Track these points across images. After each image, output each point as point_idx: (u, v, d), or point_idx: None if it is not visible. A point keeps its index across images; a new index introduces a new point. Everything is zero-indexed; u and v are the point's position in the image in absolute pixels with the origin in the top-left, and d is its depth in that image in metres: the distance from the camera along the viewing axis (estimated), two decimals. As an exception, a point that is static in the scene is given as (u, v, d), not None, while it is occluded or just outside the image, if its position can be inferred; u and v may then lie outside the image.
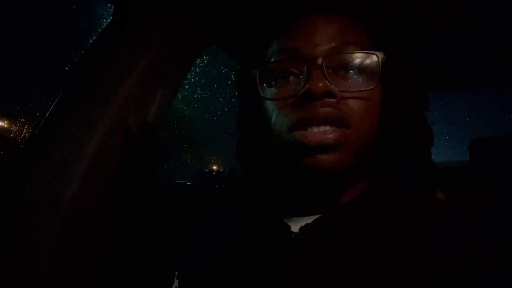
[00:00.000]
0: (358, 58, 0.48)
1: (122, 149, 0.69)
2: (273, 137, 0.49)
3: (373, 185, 0.52)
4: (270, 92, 0.50)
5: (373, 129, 0.48)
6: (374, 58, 0.48)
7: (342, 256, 0.44)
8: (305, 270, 0.44)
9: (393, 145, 0.50)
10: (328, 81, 0.46)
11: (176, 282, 0.48)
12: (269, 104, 0.50)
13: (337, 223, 0.46)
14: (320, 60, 0.46)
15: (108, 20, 0.76)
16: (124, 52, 0.71)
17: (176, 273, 0.49)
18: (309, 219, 0.48)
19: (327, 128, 0.45)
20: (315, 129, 0.45)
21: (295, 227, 0.48)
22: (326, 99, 0.45)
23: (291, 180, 0.52)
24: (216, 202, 0.58)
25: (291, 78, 0.49)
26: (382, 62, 0.47)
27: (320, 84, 0.45)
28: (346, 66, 0.48)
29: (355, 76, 0.48)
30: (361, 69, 0.48)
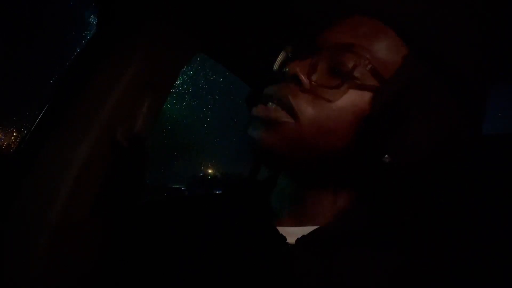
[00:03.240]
0: (355, 63, 0.44)
1: (111, 159, 0.68)
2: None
3: (363, 198, 0.51)
4: (281, 66, 0.51)
5: (334, 136, 0.44)
6: (362, 68, 0.44)
7: (340, 269, 0.43)
8: (302, 283, 0.43)
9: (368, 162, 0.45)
10: (308, 69, 0.45)
11: None
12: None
13: (336, 235, 0.46)
14: (323, 52, 0.46)
15: (93, 31, 0.76)
16: (111, 62, 0.70)
17: (169, 279, 0.48)
18: (303, 231, 0.47)
19: (275, 107, 0.45)
20: (267, 107, 0.45)
21: (290, 238, 0.47)
22: (292, 83, 0.45)
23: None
24: (210, 208, 0.57)
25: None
26: (379, 77, 0.44)
27: (297, 68, 0.45)
28: (339, 66, 0.45)
29: (338, 74, 0.44)
30: (348, 72, 0.44)
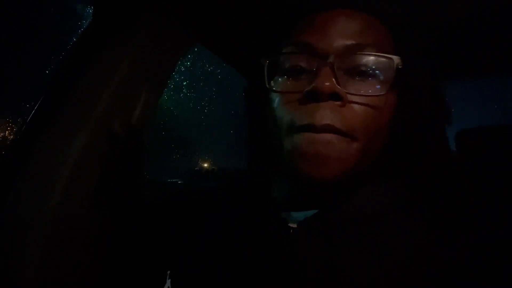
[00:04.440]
0: (372, 60, 0.45)
1: (108, 152, 0.67)
2: (274, 133, 0.48)
3: (373, 181, 0.51)
4: (276, 84, 0.48)
5: (380, 138, 0.46)
6: (390, 62, 0.45)
7: (341, 252, 0.44)
8: (304, 266, 0.44)
9: (404, 151, 0.48)
10: (337, 81, 0.43)
11: (168, 282, 0.47)
12: (274, 96, 0.48)
13: (337, 219, 0.46)
14: (332, 58, 0.44)
15: (89, 20, 0.75)
16: (106, 53, 0.70)
17: (168, 272, 0.48)
18: (307, 214, 0.47)
19: (330, 136, 0.43)
20: (317, 136, 0.43)
21: (293, 222, 0.48)
22: (331, 101, 0.43)
23: (288, 177, 0.51)
24: (209, 200, 0.57)
25: (300, 73, 0.47)
26: (397, 67, 0.45)
27: (327, 84, 0.42)
28: (358, 68, 0.46)
29: (367, 79, 0.45)
30: (375, 73, 0.45)
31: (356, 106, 0.44)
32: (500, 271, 0.40)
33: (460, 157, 1.58)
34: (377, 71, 0.45)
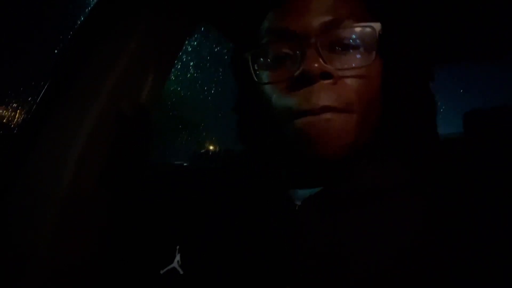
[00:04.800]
0: (353, 32, 0.45)
1: (117, 131, 0.68)
2: (273, 122, 0.48)
3: (376, 158, 0.52)
4: (264, 75, 0.48)
5: (375, 106, 0.47)
6: (371, 30, 0.45)
7: (346, 228, 0.45)
8: (309, 242, 0.45)
9: (396, 118, 0.49)
10: (323, 60, 0.44)
11: (178, 256, 0.49)
12: (265, 88, 0.48)
13: (342, 195, 0.47)
14: (313, 38, 0.44)
15: (94, 1, 0.74)
16: (113, 33, 0.70)
17: (177, 247, 0.50)
18: (312, 191, 0.48)
19: (328, 115, 0.43)
20: (316, 118, 0.43)
21: (298, 199, 0.49)
22: (322, 81, 0.44)
23: (293, 159, 0.51)
24: (216, 179, 0.58)
25: (285, 59, 0.47)
26: (379, 34, 0.45)
27: (316, 65, 0.43)
28: (341, 42, 0.46)
29: (352, 52, 0.46)
30: (358, 44, 0.46)
31: (347, 80, 0.45)
32: (503, 249, 0.41)
33: (468, 137, 1.58)
34: (360, 42, 0.46)
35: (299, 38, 0.45)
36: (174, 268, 0.48)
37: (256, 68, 0.49)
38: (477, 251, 0.41)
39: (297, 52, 0.45)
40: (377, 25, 0.45)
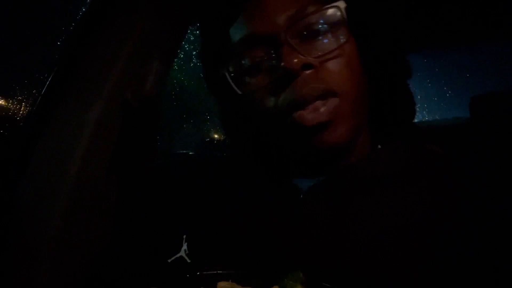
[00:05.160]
0: (320, 16, 0.45)
1: (123, 120, 0.69)
2: (267, 125, 0.48)
3: (376, 144, 0.52)
4: (247, 86, 0.48)
5: (360, 84, 0.47)
6: (336, 10, 0.45)
7: (351, 215, 0.45)
8: (314, 230, 0.45)
9: (380, 93, 0.50)
10: (300, 53, 0.44)
11: (185, 245, 0.49)
12: (251, 97, 0.48)
13: (345, 183, 0.47)
14: (283, 35, 0.44)
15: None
16: (116, 24, 0.69)
17: (184, 236, 0.50)
18: (316, 180, 0.48)
19: (317, 103, 0.44)
20: (310, 109, 0.43)
21: (303, 188, 0.49)
22: (305, 72, 0.44)
23: (295, 152, 0.51)
24: (221, 168, 0.59)
25: (263, 64, 0.47)
26: (345, 11, 0.45)
27: (295, 60, 0.43)
28: (311, 30, 0.45)
29: (324, 36, 0.46)
30: (328, 27, 0.46)
31: (328, 65, 0.45)
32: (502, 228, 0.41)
33: (474, 122, 1.57)
34: (329, 24, 0.46)
35: (269, 40, 0.45)
36: (181, 257, 0.49)
37: (236, 81, 0.48)
38: (482, 234, 0.41)
39: (272, 53, 0.45)
40: (340, 3, 0.45)
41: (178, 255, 0.49)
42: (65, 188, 0.61)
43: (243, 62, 0.48)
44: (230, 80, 0.48)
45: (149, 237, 0.54)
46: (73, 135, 0.63)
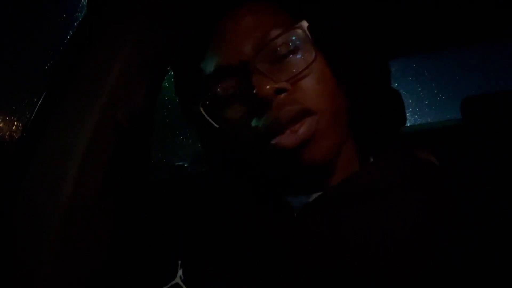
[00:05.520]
0: (285, 39, 0.46)
1: (114, 141, 0.68)
2: (249, 154, 0.49)
3: (367, 156, 0.52)
4: (223, 118, 0.48)
5: (334, 97, 0.47)
6: (300, 31, 0.45)
7: (347, 231, 0.44)
8: (311, 249, 0.44)
9: (358, 104, 0.50)
10: (271, 78, 0.44)
11: (180, 271, 0.49)
12: (229, 128, 0.48)
13: (339, 199, 0.46)
14: (251, 64, 0.44)
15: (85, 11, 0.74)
16: (104, 43, 0.69)
17: (179, 262, 0.49)
18: (310, 197, 0.48)
19: (296, 126, 0.44)
20: (288, 132, 0.44)
21: (297, 205, 0.48)
22: (279, 96, 0.44)
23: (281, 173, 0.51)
24: (214, 186, 0.58)
25: (237, 93, 0.47)
26: (308, 30, 0.45)
27: (267, 87, 0.43)
28: (279, 53, 0.46)
29: (292, 57, 0.46)
30: (294, 48, 0.46)
31: (300, 85, 0.45)
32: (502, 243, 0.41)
33: (466, 123, 1.58)
34: (295, 45, 0.46)
35: (239, 70, 0.45)
36: (177, 284, 0.48)
37: (212, 115, 0.48)
38: (478, 244, 0.41)
39: (244, 82, 0.45)
40: (303, 23, 0.45)
41: (173, 282, 0.48)
42: (58, 213, 0.60)
43: (216, 95, 0.48)
44: (206, 115, 0.48)
45: (143, 264, 0.53)
46: (65, 154, 0.63)
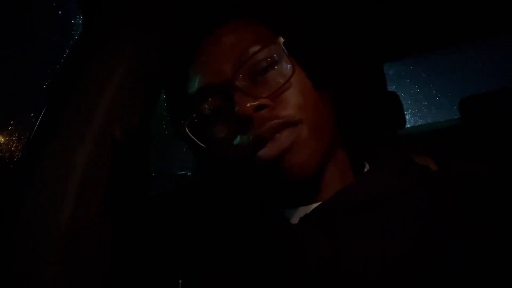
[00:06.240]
0: (263, 55, 0.46)
1: (113, 157, 0.68)
2: (237, 170, 0.49)
3: (363, 163, 0.52)
4: (208, 137, 0.49)
5: (316, 107, 0.48)
6: (276, 47, 0.46)
7: (345, 243, 0.44)
8: (309, 262, 0.44)
9: (341, 111, 0.50)
10: (251, 95, 0.45)
11: None
12: (214, 147, 0.49)
13: (337, 210, 0.46)
14: (231, 82, 0.45)
15: (81, 29, 0.75)
16: (100, 60, 0.70)
17: (180, 281, 0.49)
18: (306, 209, 0.48)
19: (276, 136, 0.44)
20: (272, 145, 0.44)
21: (294, 218, 0.48)
22: (260, 112, 0.45)
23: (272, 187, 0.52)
24: (212, 200, 0.58)
25: (220, 112, 0.48)
26: (284, 45, 0.46)
27: (247, 104, 0.44)
28: (258, 69, 0.47)
29: (271, 72, 0.47)
30: (272, 63, 0.47)
31: (280, 100, 0.46)
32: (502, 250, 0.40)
33: (464, 124, 1.58)
34: (273, 60, 0.47)
35: (221, 89, 0.47)
36: None
37: (198, 135, 0.49)
38: (480, 248, 0.41)
39: (226, 101, 0.46)
40: (279, 39, 0.47)
41: None
42: (57, 233, 0.59)
43: (201, 114, 0.49)
44: (191, 135, 0.49)
45: (144, 282, 0.53)
46: (65, 175, 0.63)
